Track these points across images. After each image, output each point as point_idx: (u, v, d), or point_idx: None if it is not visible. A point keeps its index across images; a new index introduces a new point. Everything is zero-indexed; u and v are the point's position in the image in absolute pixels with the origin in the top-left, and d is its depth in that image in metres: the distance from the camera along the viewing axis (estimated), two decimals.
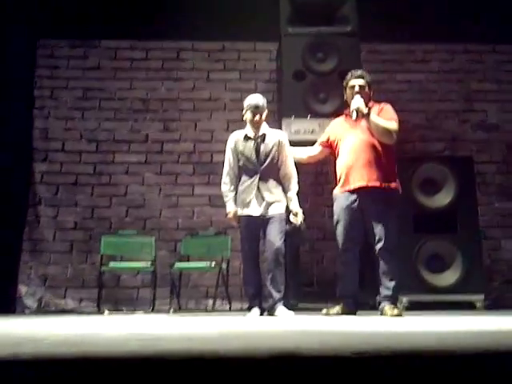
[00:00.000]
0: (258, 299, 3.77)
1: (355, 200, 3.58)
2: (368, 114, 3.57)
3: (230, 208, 3.78)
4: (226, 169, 3.84)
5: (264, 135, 3.79)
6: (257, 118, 3.72)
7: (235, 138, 3.83)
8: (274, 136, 3.81)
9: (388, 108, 3.72)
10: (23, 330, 2.64)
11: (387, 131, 3.57)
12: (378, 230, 3.49)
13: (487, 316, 3.47)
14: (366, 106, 3.64)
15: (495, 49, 5.73)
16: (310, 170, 4.17)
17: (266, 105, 3.80)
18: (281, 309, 3.58)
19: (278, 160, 3.76)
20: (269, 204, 3.69)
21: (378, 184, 3.53)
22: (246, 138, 3.79)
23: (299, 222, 3.70)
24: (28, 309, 4.84)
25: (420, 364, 1.36)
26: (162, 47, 5.64)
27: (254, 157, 3.73)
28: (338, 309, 3.68)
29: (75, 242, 5.14)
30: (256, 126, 3.75)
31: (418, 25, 5.31)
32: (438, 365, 1.35)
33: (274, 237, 3.64)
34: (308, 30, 4.74)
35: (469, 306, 4.39)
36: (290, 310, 3.63)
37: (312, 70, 4.64)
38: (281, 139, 3.81)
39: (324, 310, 3.75)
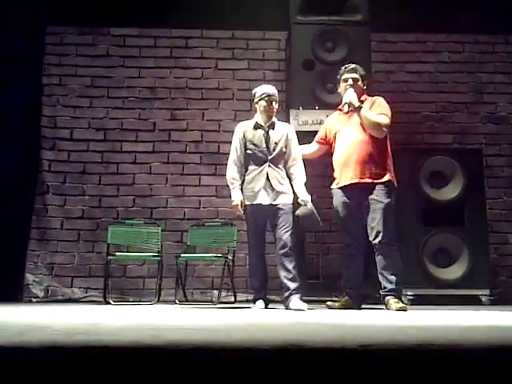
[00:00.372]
0: (264, 292, 3.78)
1: (350, 196, 3.64)
2: (360, 108, 3.61)
3: (236, 196, 3.75)
4: (233, 157, 3.83)
5: (274, 124, 3.83)
6: (272, 106, 3.76)
7: (243, 127, 3.85)
8: (282, 127, 3.85)
9: (380, 101, 3.77)
10: (30, 319, 2.67)
11: (377, 125, 3.62)
12: (375, 224, 3.51)
13: (493, 311, 3.47)
14: (359, 99, 3.72)
15: (507, 40, 5.65)
16: (318, 161, 4.15)
17: (277, 95, 3.86)
18: (295, 301, 3.51)
19: (285, 151, 3.78)
20: (278, 193, 3.69)
21: (370, 180, 3.58)
22: (257, 126, 3.81)
23: (309, 207, 3.67)
24: (35, 297, 4.88)
25: (424, 357, 1.36)
26: (171, 35, 5.60)
27: (263, 145, 3.74)
28: (341, 302, 3.70)
29: (82, 230, 5.16)
30: (269, 115, 3.79)
31: (428, 15, 5.25)
32: (442, 358, 1.35)
33: (285, 229, 3.63)
34: (318, 18, 4.70)
35: (475, 301, 4.38)
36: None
37: (321, 60, 4.61)
38: (288, 131, 3.85)
39: (328, 303, 3.77)
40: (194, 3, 5.24)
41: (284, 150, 3.77)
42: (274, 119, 3.85)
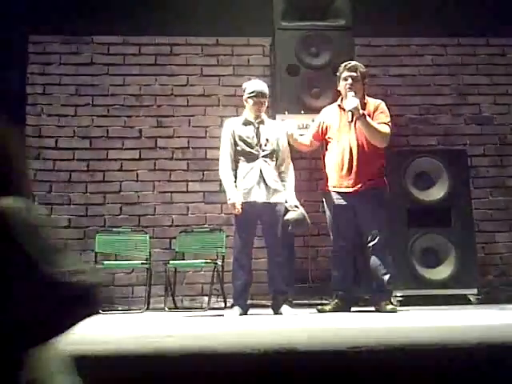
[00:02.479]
0: (244, 296, 3.63)
1: (346, 199, 3.62)
2: (364, 116, 3.53)
3: (233, 195, 3.56)
4: (225, 153, 3.67)
5: (263, 120, 3.76)
6: (261, 104, 3.68)
7: (232, 124, 3.77)
8: (273, 124, 3.82)
9: (383, 108, 3.72)
10: None
11: (380, 136, 3.57)
12: (370, 228, 3.52)
13: (481, 310, 3.49)
14: (361, 101, 3.63)
15: (488, 42, 5.73)
16: (304, 166, 4.17)
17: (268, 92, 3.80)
18: (285, 307, 3.52)
19: (276, 148, 3.71)
20: (272, 191, 3.61)
21: (365, 185, 3.57)
22: (246, 122, 3.74)
23: (300, 211, 3.64)
24: None
25: (415, 358, 1.36)
26: (155, 42, 5.59)
27: (255, 141, 3.66)
28: (332, 305, 3.70)
29: (69, 240, 5.11)
30: (258, 112, 3.70)
31: (411, 19, 5.29)
32: (432, 358, 1.35)
33: (278, 231, 3.59)
34: (301, 24, 4.72)
35: (463, 300, 4.41)
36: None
37: (306, 65, 4.63)
38: (279, 129, 3.79)
39: (318, 307, 3.77)
40: (178, 10, 5.24)
41: (275, 147, 3.69)
42: (264, 116, 3.78)
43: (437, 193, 4.61)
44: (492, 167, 5.46)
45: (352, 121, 3.53)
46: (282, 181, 3.71)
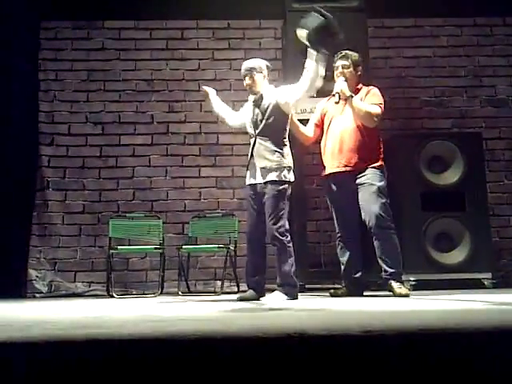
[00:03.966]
0: (254, 280, 3.50)
1: (341, 184, 3.62)
2: (351, 97, 3.60)
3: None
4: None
5: (262, 97, 3.59)
6: (248, 81, 3.59)
7: (245, 106, 3.79)
8: (270, 95, 3.58)
9: (374, 91, 3.76)
10: (33, 314, 2.67)
11: (369, 115, 3.61)
12: (369, 207, 3.50)
13: (495, 294, 3.47)
14: (355, 87, 3.71)
15: (506, 22, 5.60)
16: (317, 150, 4.12)
17: (262, 66, 3.62)
18: (274, 294, 3.40)
19: (275, 119, 3.50)
20: (262, 170, 3.46)
21: (360, 165, 3.55)
22: (248, 103, 3.72)
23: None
24: (39, 293, 4.90)
25: (427, 342, 1.35)
26: (166, 26, 5.57)
27: (250, 121, 3.60)
28: (344, 289, 3.71)
29: (83, 225, 5.17)
30: (250, 89, 3.62)
31: None
32: (445, 342, 1.34)
33: (269, 217, 3.39)
34: (313, 5, 4.65)
35: (477, 285, 4.38)
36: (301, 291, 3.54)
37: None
38: (277, 96, 3.56)
39: (331, 291, 3.78)
40: None
41: (272, 118, 3.49)
42: (263, 91, 3.60)
43: (451, 176, 4.56)
44: (507, 150, 5.38)
45: (338, 102, 3.64)
46: (281, 150, 3.48)
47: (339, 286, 3.85)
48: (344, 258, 3.69)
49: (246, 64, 3.65)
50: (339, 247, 3.72)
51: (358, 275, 3.68)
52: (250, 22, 5.54)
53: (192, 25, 5.57)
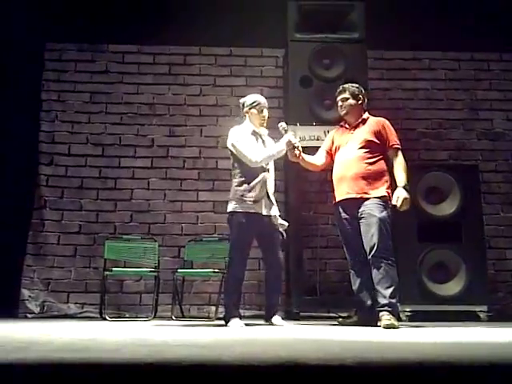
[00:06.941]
0: (238, 309, 3.63)
1: (347, 211, 3.61)
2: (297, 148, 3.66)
3: (286, 141, 3.62)
4: (250, 145, 3.64)
5: (263, 132, 3.80)
6: (264, 113, 3.73)
7: (242, 131, 3.73)
8: (268, 136, 3.85)
9: (389, 127, 3.71)
10: (26, 335, 2.65)
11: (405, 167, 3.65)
12: (369, 238, 3.47)
13: (491, 327, 3.45)
14: (358, 117, 3.70)
15: (502, 57, 5.72)
16: (314, 177, 4.16)
17: None
18: (277, 318, 3.64)
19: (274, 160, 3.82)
20: (272, 205, 3.69)
21: (362, 194, 3.54)
22: (253, 132, 3.73)
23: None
24: (30, 313, 4.85)
25: (423, 374, 1.35)
26: (170, 52, 5.66)
27: None
28: (354, 318, 3.66)
29: (79, 246, 5.15)
30: (261, 122, 3.74)
31: (424, 33, 5.31)
32: (439, 375, 1.34)
33: (278, 246, 3.67)
34: (315, 36, 4.75)
35: (473, 317, 4.36)
36: (292, 318, 3.63)
37: (318, 77, 4.66)
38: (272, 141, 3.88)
39: (340, 319, 3.75)
40: (193, 20, 5.29)
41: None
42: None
43: (448, 208, 4.59)
44: (504, 183, 5.43)
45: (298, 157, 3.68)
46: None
47: (347, 315, 3.81)
48: (355, 286, 3.63)
49: (262, 98, 3.79)
50: (351, 274, 3.68)
51: (369, 303, 3.59)
52: (252, 49, 5.63)
53: (195, 51, 5.66)
